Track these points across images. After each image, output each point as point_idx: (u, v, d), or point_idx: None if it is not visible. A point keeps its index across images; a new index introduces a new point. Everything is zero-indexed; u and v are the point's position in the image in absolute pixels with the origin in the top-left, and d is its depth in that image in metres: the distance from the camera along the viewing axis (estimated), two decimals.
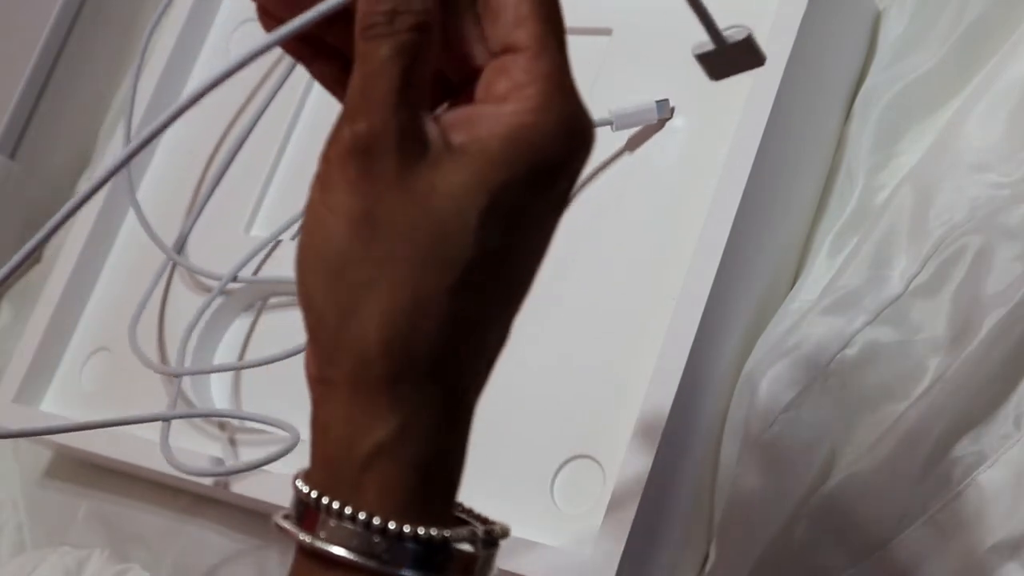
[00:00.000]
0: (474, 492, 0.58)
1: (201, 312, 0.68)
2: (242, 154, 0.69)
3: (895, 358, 0.55)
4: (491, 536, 0.36)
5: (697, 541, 0.56)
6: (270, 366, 0.66)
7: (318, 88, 0.73)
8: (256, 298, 0.69)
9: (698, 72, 0.62)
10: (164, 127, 0.36)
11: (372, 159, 0.33)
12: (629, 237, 0.60)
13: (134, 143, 0.36)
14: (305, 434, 0.60)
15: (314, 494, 0.34)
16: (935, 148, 0.58)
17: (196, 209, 0.71)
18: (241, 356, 0.69)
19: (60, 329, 0.73)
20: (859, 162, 0.60)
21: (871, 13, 0.64)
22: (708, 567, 0.55)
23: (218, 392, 0.68)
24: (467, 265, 0.33)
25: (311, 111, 0.73)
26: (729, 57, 0.44)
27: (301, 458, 0.38)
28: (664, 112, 0.61)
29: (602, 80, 0.64)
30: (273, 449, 0.61)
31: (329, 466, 0.34)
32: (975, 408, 0.52)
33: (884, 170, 0.60)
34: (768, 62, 0.58)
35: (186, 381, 0.67)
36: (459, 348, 0.34)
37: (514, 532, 0.55)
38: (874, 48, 0.64)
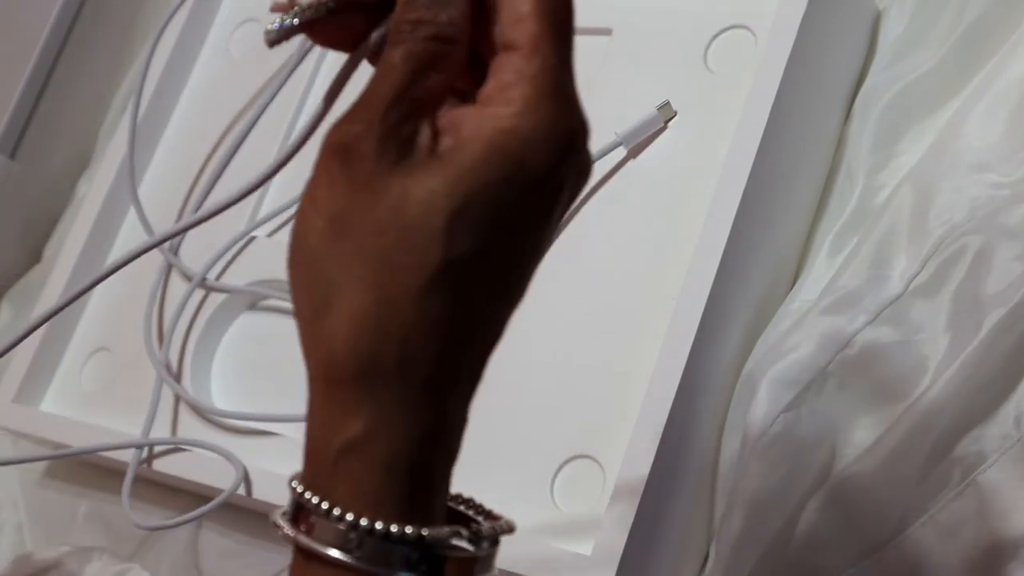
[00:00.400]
0: (474, 492, 0.58)
1: (181, 306, 0.68)
2: (242, 154, 0.69)
3: (895, 358, 0.55)
4: (478, 535, 0.36)
5: (697, 541, 0.56)
6: (270, 367, 0.66)
7: (318, 88, 0.73)
8: (258, 298, 0.69)
9: (698, 72, 0.62)
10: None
11: (351, 160, 0.33)
12: (629, 237, 0.60)
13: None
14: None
15: (299, 489, 0.34)
16: (935, 148, 0.58)
17: (193, 209, 0.71)
18: (240, 355, 0.69)
19: (60, 329, 0.73)
20: (859, 162, 0.60)
21: (871, 13, 0.64)
22: (708, 567, 0.55)
23: (218, 390, 0.68)
24: (435, 269, 0.33)
25: (311, 111, 0.73)
26: None
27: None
28: (667, 114, 0.61)
29: (602, 80, 0.64)
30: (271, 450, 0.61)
31: (310, 462, 0.34)
32: (975, 408, 0.52)
33: (884, 170, 0.60)
34: (768, 62, 0.58)
35: (187, 380, 0.67)
36: (433, 349, 0.33)
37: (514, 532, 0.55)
38: (874, 48, 0.64)
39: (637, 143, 0.61)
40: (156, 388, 0.68)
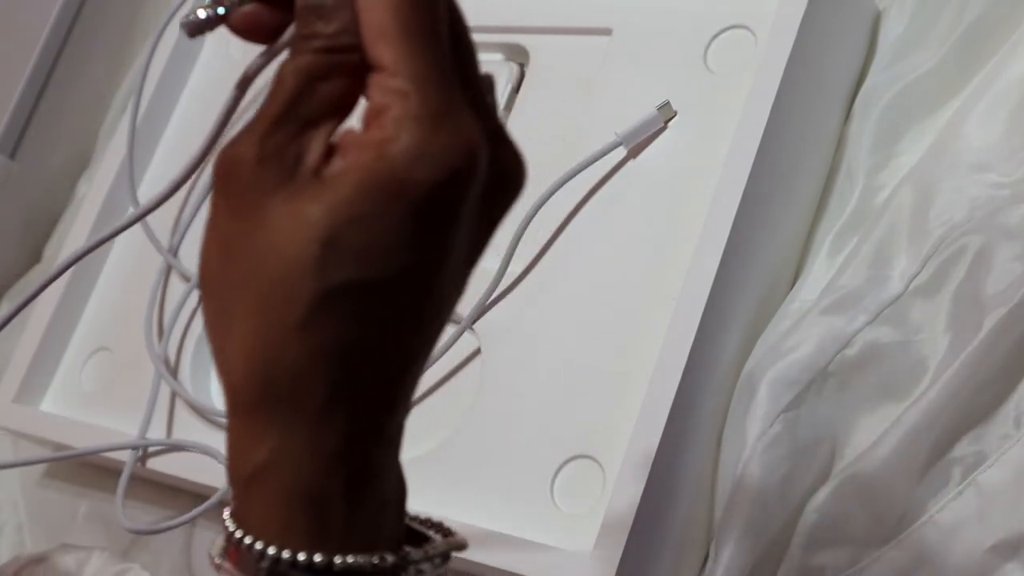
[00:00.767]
0: (475, 492, 0.58)
1: (180, 306, 0.69)
2: None
3: (895, 358, 0.55)
4: (405, 560, 0.35)
5: (697, 541, 0.56)
6: None
7: None
8: None
9: (698, 72, 0.62)
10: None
11: (232, 184, 0.32)
12: (629, 237, 0.60)
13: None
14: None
15: (225, 516, 0.34)
16: (935, 148, 0.58)
17: (192, 209, 0.71)
18: None
19: (60, 329, 0.73)
20: (859, 162, 0.60)
21: (871, 13, 0.64)
22: (708, 567, 0.55)
23: (218, 390, 0.68)
24: (311, 299, 0.31)
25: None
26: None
27: None
28: (667, 115, 0.61)
29: (602, 80, 0.64)
30: None
31: (232, 489, 0.34)
32: (975, 408, 0.52)
33: (884, 170, 0.60)
34: (768, 62, 0.58)
35: (186, 380, 0.67)
36: (326, 379, 0.32)
37: (514, 532, 0.55)
38: (874, 48, 0.63)
39: (637, 143, 0.61)
40: (154, 387, 0.68)
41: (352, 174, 0.31)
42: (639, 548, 0.52)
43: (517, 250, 0.61)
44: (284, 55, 0.34)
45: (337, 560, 0.32)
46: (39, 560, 0.66)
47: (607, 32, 0.65)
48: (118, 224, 0.45)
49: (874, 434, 0.54)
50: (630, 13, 0.65)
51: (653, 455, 0.53)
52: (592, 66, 0.64)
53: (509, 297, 0.61)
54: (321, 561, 0.32)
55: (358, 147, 0.32)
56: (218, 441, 0.65)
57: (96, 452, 0.67)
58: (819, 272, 0.59)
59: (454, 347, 0.61)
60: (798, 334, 0.56)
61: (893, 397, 0.54)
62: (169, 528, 0.64)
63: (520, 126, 0.65)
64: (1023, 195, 0.54)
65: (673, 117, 0.61)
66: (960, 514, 0.51)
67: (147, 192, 0.75)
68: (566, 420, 0.57)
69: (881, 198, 0.59)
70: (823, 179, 0.62)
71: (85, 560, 0.67)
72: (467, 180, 0.32)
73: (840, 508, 0.53)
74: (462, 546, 0.38)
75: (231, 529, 0.33)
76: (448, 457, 0.59)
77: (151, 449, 0.66)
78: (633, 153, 0.61)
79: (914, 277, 0.55)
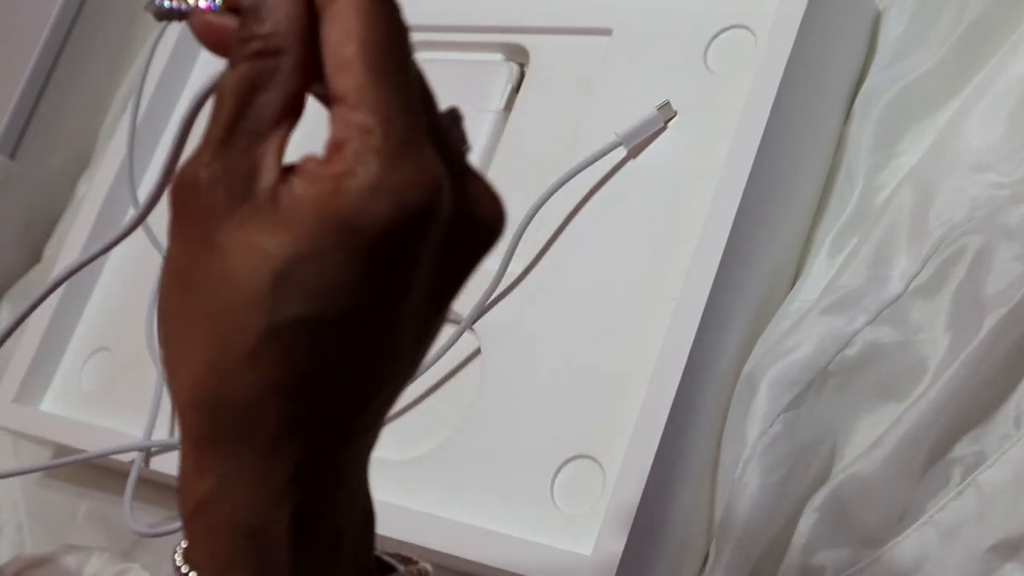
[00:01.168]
0: (475, 492, 0.58)
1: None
2: None
3: (895, 358, 0.55)
4: None
5: (697, 541, 0.56)
6: None
7: None
8: None
9: (698, 72, 0.62)
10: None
11: (185, 207, 0.31)
12: (629, 237, 0.60)
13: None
14: None
15: (176, 549, 0.33)
16: (935, 148, 0.58)
17: None
18: None
19: (60, 329, 0.73)
20: (859, 162, 0.60)
21: (871, 13, 0.64)
22: (708, 567, 0.55)
23: None
24: (261, 332, 0.30)
25: (311, 111, 0.73)
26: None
27: None
28: (667, 115, 0.61)
29: (602, 80, 0.64)
30: None
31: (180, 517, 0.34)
32: (975, 408, 0.52)
33: (884, 170, 0.60)
34: (768, 62, 0.58)
35: None
36: (274, 413, 0.31)
37: (514, 532, 0.55)
38: (874, 48, 0.63)
39: (637, 143, 0.61)
40: (157, 389, 0.68)
41: (308, 206, 0.30)
42: (639, 548, 0.52)
43: (517, 250, 0.61)
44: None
45: None
46: (40, 561, 0.66)
47: (607, 32, 0.65)
48: (94, 249, 0.45)
49: (874, 434, 0.54)
50: (630, 13, 0.65)
51: (653, 455, 0.53)
52: (592, 66, 0.64)
53: (509, 297, 0.61)
54: None
55: (317, 179, 0.30)
56: None
57: (104, 455, 0.66)
58: (819, 272, 0.59)
59: (454, 347, 0.61)
60: (798, 334, 0.56)
61: (893, 397, 0.54)
62: (176, 531, 0.63)
63: (520, 126, 0.65)
64: (1023, 195, 0.54)
65: (673, 117, 0.61)
66: (960, 514, 0.51)
67: (147, 192, 0.75)
68: (566, 420, 0.57)
69: (881, 198, 0.59)
70: (823, 179, 0.62)
71: (85, 560, 0.68)
72: (425, 219, 0.31)
73: (840, 508, 0.53)
74: (427, 574, 0.37)
75: (178, 564, 0.33)
76: (448, 457, 0.59)
77: (153, 449, 0.66)
78: (633, 153, 0.61)
79: (914, 277, 0.55)
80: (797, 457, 0.54)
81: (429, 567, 0.37)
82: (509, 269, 0.61)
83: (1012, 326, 0.52)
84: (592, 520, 0.54)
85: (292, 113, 0.32)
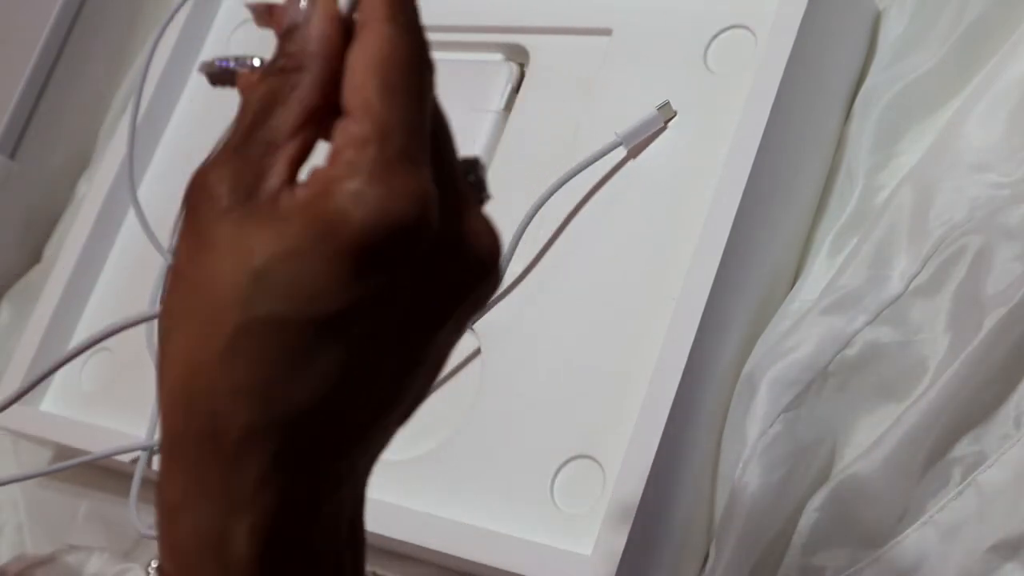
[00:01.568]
0: (475, 492, 0.58)
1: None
2: None
3: (895, 358, 0.55)
4: None
5: (697, 541, 0.56)
6: None
7: None
8: None
9: (698, 72, 0.62)
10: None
11: (192, 207, 0.32)
12: (629, 237, 0.60)
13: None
14: None
15: (155, 558, 0.33)
16: (935, 148, 0.58)
17: None
18: None
19: (60, 329, 0.73)
20: (859, 162, 0.60)
21: (871, 13, 0.64)
22: (708, 567, 0.55)
23: None
24: (235, 330, 0.30)
25: None
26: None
27: None
28: (667, 115, 0.61)
29: (602, 80, 0.64)
30: None
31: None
32: (975, 408, 0.52)
33: (884, 170, 0.60)
34: (768, 62, 0.58)
35: None
36: (244, 416, 0.31)
37: (514, 532, 0.55)
38: (874, 48, 0.63)
39: (637, 143, 0.61)
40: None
41: (297, 208, 0.31)
42: (639, 548, 0.52)
43: (517, 250, 0.61)
44: None
45: None
46: (41, 562, 0.66)
47: (607, 32, 0.65)
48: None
49: (874, 434, 0.54)
50: (630, 13, 0.65)
51: (653, 455, 0.53)
52: (592, 66, 0.64)
53: (509, 297, 0.61)
54: None
55: (311, 183, 0.31)
56: None
57: (108, 456, 0.66)
58: (819, 272, 0.59)
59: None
60: (798, 334, 0.56)
61: (893, 397, 0.54)
62: None
63: (520, 126, 0.65)
64: (1023, 195, 0.54)
65: (673, 117, 0.61)
66: (960, 514, 0.51)
67: (147, 192, 0.75)
68: (566, 420, 0.57)
69: (881, 198, 0.59)
70: (823, 179, 0.62)
71: (85, 560, 0.68)
72: (405, 231, 0.30)
73: (840, 508, 0.53)
74: None
75: (154, 565, 0.32)
76: (448, 457, 0.59)
77: (156, 448, 0.66)
78: (633, 153, 0.61)
79: (914, 277, 0.55)
80: (797, 457, 0.54)
81: None
82: (509, 269, 0.61)
83: (1012, 326, 0.52)
84: (592, 520, 0.54)
85: (309, 127, 0.32)
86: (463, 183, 0.34)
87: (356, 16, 0.33)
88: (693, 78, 0.62)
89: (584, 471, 0.56)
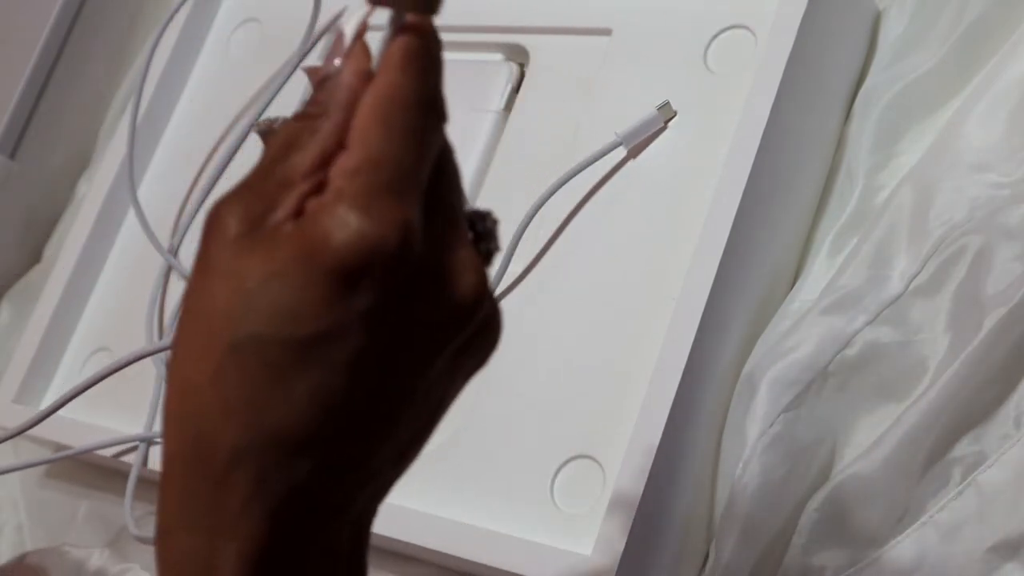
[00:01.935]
0: (475, 492, 0.58)
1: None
2: (242, 154, 0.69)
3: (895, 358, 0.55)
4: None
5: (697, 541, 0.56)
6: None
7: None
8: None
9: (698, 72, 0.62)
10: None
11: (206, 235, 0.33)
12: (629, 237, 0.60)
13: None
14: None
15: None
16: (935, 148, 0.58)
17: (193, 210, 0.71)
18: None
19: (60, 329, 0.73)
20: (859, 162, 0.60)
21: (871, 13, 0.64)
22: (708, 567, 0.55)
23: None
24: (222, 352, 0.31)
25: None
26: None
27: None
28: (667, 115, 0.61)
29: (602, 80, 0.64)
30: None
31: None
32: (975, 408, 0.52)
33: (884, 170, 0.60)
34: (768, 62, 0.58)
35: None
36: (231, 438, 0.31)
37: (514, 532, 0.55)
38: (874, 48, 0.63)
39: (637, 143, 0.61)
40: (156, 387, 0.68)
41: (291, 235, 0.32)
42: (639, 548, 0.52)
43: (517, 250, 0.61)
44: None
45: None
46: (41, 561, 0.66)
47: (607, 32, 0.65)
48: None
49: (874, 434, 0.54)
50: (630, 13, 0.65)
51: (653, 455, 0.53)
52: (592, 66, 0.64)
53: (509, 297, 0.61)
54: None
55: (310, 212, 0.32)
56: None
57: (102, 447, 0.66)
58: (819, 272, 0.59)
59: None
60: (798, 334, 0.56)
61: (893, 397, 0.54)
62: None
63: (520, 126, 0.65)
64: (1023, 195, 0.54)
65: (673, 117, 0.61)
66: (960, 514, 0.51)
67: (147, 192, 0.75)
68: (566, 420, 0.57)
69: (881, 198, 0.59)
70: (823, 179, 0.62)
71: (85, 560, 0.68)
72: (382, 257, 0.31)
73: (840, 508, 0.53)
74: None
75: None
76: (448, 457, 0.59)
77: (155, 440, 0.66)
78: (633, 153, 0.61)
79: (914, 277, 0.55)
80: (797, 457, 0.54)
81: None
82: (509, 269, 0.61)
83: (1012, 326, 0.52)
84: (592, 520, 0.54)
85: (325, 169, 0.33)
86: (460, 224, 0.35)
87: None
88: (693, 78, 0.62)
89: (584, 471, 0.56)
